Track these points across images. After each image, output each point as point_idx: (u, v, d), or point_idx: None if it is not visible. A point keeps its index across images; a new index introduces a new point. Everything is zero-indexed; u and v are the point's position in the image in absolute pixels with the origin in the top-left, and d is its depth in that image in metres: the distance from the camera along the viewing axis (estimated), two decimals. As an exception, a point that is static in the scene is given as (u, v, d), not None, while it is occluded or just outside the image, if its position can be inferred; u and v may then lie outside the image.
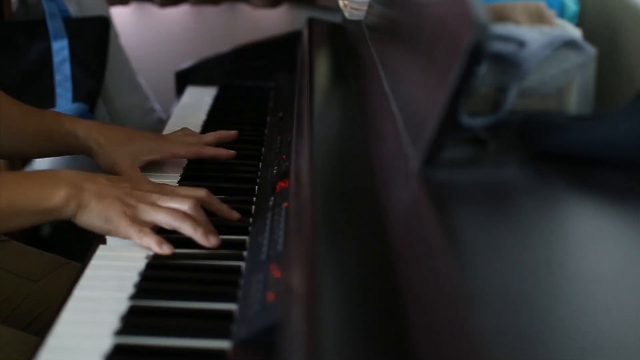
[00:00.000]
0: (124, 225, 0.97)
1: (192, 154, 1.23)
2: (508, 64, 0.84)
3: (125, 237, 0.98)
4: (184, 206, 1.00)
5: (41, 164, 1.87)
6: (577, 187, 0.79)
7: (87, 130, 1.19)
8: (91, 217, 0.98)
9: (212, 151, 1.25)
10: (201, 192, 1.04)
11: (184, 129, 1.29)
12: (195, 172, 1.23)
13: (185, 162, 1.26)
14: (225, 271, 0.95)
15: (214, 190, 1.16)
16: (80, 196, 0.97)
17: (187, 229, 0.98)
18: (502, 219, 0.72)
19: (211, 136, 1.28)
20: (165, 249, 0.96)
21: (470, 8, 0.73)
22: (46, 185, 0.97)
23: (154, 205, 0.99)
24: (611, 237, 0.70)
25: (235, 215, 1.05)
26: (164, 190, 1.03)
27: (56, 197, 0.97)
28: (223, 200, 1.12)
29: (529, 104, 0.87)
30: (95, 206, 0.97)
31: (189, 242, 0.98)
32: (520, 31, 0.86)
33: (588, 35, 0.95)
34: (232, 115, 1.51)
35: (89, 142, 1.19)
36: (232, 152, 1.26)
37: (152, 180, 1.14)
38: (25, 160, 1.98)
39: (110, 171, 1.17)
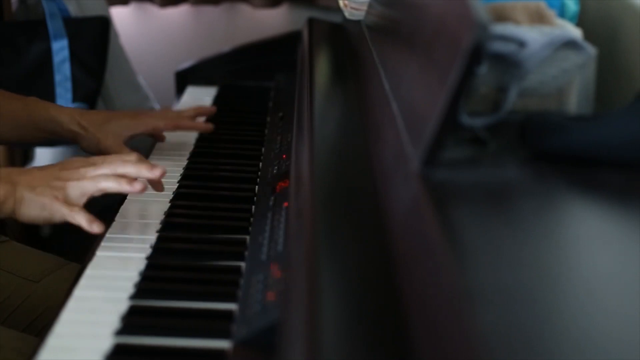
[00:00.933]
0: (57, 209, 0.98)
1: (171, 126, 1.29)
2: (508, 64, 0.84)
3: (62, 220, 0.99)
4: (111, 168, 1.01)
5: (44, 154, 1.87)
6: (577, 187, 0.79)
7: (69, 116, 1.24)
8: (29, 209, 0.99)
9: (190, 123, 1.32)
10: (130, 156, 1.04)
11: (164, 108, 1.36)
12: (195, 172, 1.23)
13: (185, 162, 1.27)
14: (225, 271, 0.95)
15: (214, 190, 1.16)
16: (16, 191, 0.99)
17: (112, 185, 0.99)
18: (502, 219, 0.72)
19: (190, 110, 1.34)
20: (95, 228, 0.97)
21: (470, 8, 0.73)
22: None
23: (82, 178, 1.00)
24: (611, 237, 0.70)
25: (157, 171, 1.03)
26: (92, 161, 1.03)
27: None
28: (223, 201, 1.13)
29: (529, 104, 0.87)
30: (29, 197, 0.98)
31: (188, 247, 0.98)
32: (520, 31, 0.86)
33: (588, 35, 0.95)
34: (232, 115, 1.51)
35: (72, 126, 1.23)
36: (209, 125, 1.32)
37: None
38: (26, 158, 1.98)
39: (96, 151, 1.21)
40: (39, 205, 0.98)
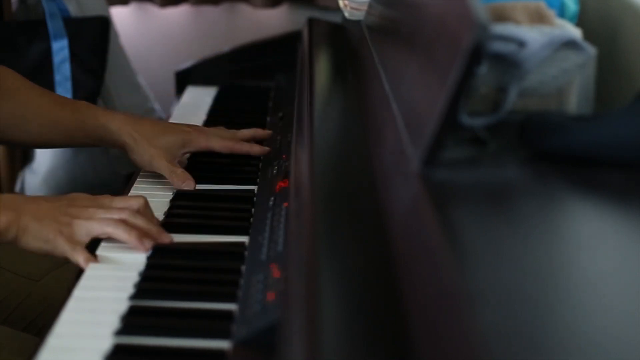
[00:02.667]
0: (60, 245, 0.96)
1: (227, 149, 1.22)
2: (508, 64, 0.84)
3: (62, 256, 0.97)
4: (122, 215, 0.99)
5: (43, 155, 1.87)
6: (577, 187, 0.79)
7: (120, 124, 1.18)
8: (31, 240, 0.97)
9: (246, 147, 1.23)
10: (137, 202, 1.02)
11: (219, 128, 1.27)
12: (196, 172, 1.23)
13: (185, 162, 1.26)
14: (225, 271, 0.95)
15: (214, 191, 1.16)
16: (20, 220, 0.96)
17: (120, 234, 0.97)
18: (502, 219, 0.72)
19: (247, 132, 1.27)
20: (92, 262, 0.96)
21: (470, 8, 0.73)
22: None
23: (89, 218, 0.98)
24: (611, 237, 0.70)
25: (165, 238, 1.01)
26: (100, 203, 1.01)
27: None
28: (223, 201, 1.13)
29: (529, 104, 0.87)
30: (34, 228, 0.96)
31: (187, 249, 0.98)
32: (520, 31, 0.86)
33: (588, 35, 0.95)
34: (232, 115, 1.51)
35: (123, 136, 1.18)
36: (266, 148, 1.25)
37: (154, 179, 1.14)
38: (25, 158, 1.98)
39: (147, 167, 1.18)
40: (42, 237, 0.96)
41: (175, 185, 1.16)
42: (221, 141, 1.22)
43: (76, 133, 1.19)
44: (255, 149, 1.24)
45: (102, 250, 1.00)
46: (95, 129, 1.18)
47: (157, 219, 1.05)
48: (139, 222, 0.99)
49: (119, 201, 1.02)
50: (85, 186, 1.77)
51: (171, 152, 1.18)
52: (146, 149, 1.17)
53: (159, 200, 1.13)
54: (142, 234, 0.98)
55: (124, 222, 0.98)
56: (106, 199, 1.02)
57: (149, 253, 0.98)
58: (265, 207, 1.05)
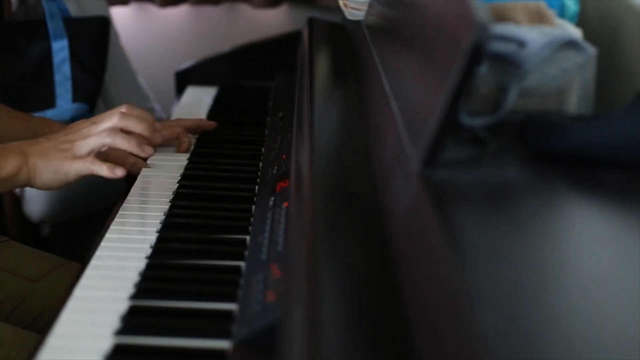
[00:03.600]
0: (70, 166, 1.04)
1: (172, 135, 1.30)
2: (508, 64, 0.84)
3: (78, 175, 1.05)
4: (113, 121, 1.07)
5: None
6: (577, 187, 0.79)
7: None
8: (43, 176, 1.05)
9: (183, 137, 1.30)
10: (123, 108, 1.10)
11: (166, 119, 1.43)
12: (196, 172, 1.23)
13: (185, 162, 1.27)
14: (225, 271, 0.95)
15: (214, 190, 1.16)
16: (28, 160, 1.04)
17: (121, 142, 1.06)
18: (503, 219, 0.72)
19: (189, 121, 1.36)
20: (118, 172, 1.04)
21: (470, 8, 0.73)
22: None
23: (87, 136, 1.06)
24: (611, 237, 0.70)
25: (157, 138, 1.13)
26: (92, 120, 1.10)
27: (8, 167, 1.04)
28: (223, 201, 1.13)
29: (529, 104, 0.87)
30: (42, 164, 1.04)
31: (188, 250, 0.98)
32: (520, 31, 0.86)
33: (588, 35, 0.95)
34: (232, 115, 1.51)
35: None
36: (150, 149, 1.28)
37: (155, 178, 1.15)
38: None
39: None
40: (51, 169, 1.04)
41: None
42: (167, 130, 1.28)
43: None
44: (148, 150, 1.24)
45: (102, 250, 1.00)
46: None
47: (148, 117, 1.12)
48: (132, 124, 1.08)
49: (110, 112, 1.10)
50: (85, 185, 1.77)
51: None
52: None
53: (159, 200, 1.13)
54: (141, 139, 1.08)
55: (119, 132, 1.06)
56: (97, 116, 1.11)
57: (149, 253, 0.98)
58: (265, 207, 1.05)
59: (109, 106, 1.84)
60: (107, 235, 1.03)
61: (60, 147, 1.05)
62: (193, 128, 1.35)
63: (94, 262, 0.97)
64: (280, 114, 1.40)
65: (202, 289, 0.91)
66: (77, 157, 1.04)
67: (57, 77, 1.71)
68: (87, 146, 1.05)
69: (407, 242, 0.73)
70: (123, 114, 1.09)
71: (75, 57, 1.71)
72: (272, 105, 1.54)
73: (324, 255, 0.76)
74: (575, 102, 0.88)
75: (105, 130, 1.06)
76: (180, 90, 1.74)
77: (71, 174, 1.05)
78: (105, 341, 0.81)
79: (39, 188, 1.06)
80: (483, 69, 0.73)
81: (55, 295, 1.11)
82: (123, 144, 1.06)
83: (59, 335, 0.83)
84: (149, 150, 1.07)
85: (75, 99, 1.71)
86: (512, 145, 0.85)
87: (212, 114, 1.53)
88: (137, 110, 1.12)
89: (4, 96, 1.48)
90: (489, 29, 0.71)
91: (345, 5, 1.56)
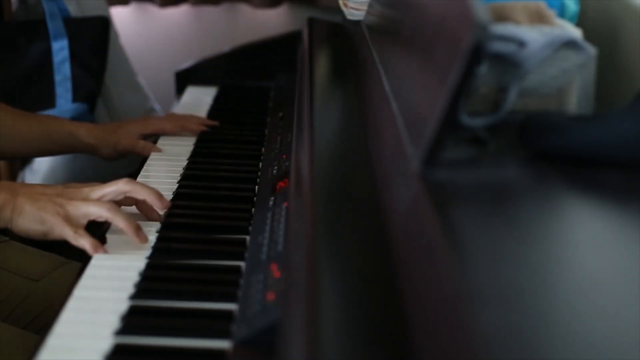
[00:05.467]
0: (58, 225, 0.97)
1: (178, 127, 1.40)
2: (508, 64, 0.84)
3: (60, 238, 0.98)
4: (119, 186, 1.02)
5: (40, 164, 1.87)
6: (577, 187, 0.79)
7: (87, 130, 1.33)
8: (26, 221, 0.98)
9: (195, 126, 1.41)
10: (125, 182, 1.04)
11: (169, 113, 1.50)
12: (195, 172, 1.23)
13: (185, 162, 1.27)
14: (225, 271, 0.95)
15: (214, 190, 1.16)
16: (15, 201, 0.99)
17: (120, 221, 0.98)
18: (502, 219, 0.72)
19: (195, 118, 1.44)
20: (100, 251, 0.97)
21: (471, 8, 0.73)
22: None
23: (85, 199, 1.00)
24: (611, 237, 0.70)
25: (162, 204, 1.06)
26: (93, 185, 1.04)
27: None
28: (223, 201, 1.13)
29: (529, 104, 0.87)
30: (30, 209, 0.98)
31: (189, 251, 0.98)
32: (520, 31, 0.86)
33: (588, 35, 0.95)
34: (232, 115, 1.51)
35: (90, 139, 1.32)
36: (202, 128, 1.41)
37: (154, 179, 1.14)
38: (25, 161, 1.98)
39: (114, 154, 1.33)
40: (38, 218, 0.98)
41: (145, 153, 1.32)
42: (172, 122, 1.40)
43: (44, 143, 1.32)
44: (193, 127, 1.41)
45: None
46: (62, 137, 1.32)
47: (154, 190, 1.06)
48: (139, 190, 1.03)
49: (113, 182, 1.03)
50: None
51: (130, 136, 1.34)
52: (109, 140, 1.33)
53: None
54: (139, 226, 1.00)
55: (119, 210, 1.00)
56: (98, 183, 1.04)
57: (149, 253, 0.98)
58: (265, 207, 1.05)
59: (109, 106, 1.84)
60: (107, 235, 1.03)
61: (55, 200, 0.99)
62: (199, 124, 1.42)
63: (94, 262, 0.97)
64: (280, 114, 1.40)
65: (202, 289, 0.91)
66: (68, 219, 0.98)
67: (57, 77, 1.71)
68: (82, 212, 0.99)
69: (407, 242, 0.73)
70: (128, 181, 1.03)
71: (75, 57, 1.71)
72: (272, 105, 1.54)
73: (324, 255, 0.76)
74: (575, 102, 0.88)
75: (108, 203, 1.00)
76: (180, 90, 1.74)
77: (55, 233, 0.98)
78: (105, 341, 0.81)
79: (15, 232, 1.00)
80: (483, 69, 0.73)
81: (56, 294, 1.11)
82: (122, 224, 0.98)
83: (59, 335, 0.83)
84: (144, 238, 0.99)
85: (75, 99, 1.71)
86: (512, 145, 0.85)
87: (212, 114, 1.53)
88: (138, 186, 1.06)
89: (4, 96, 1.48)
90: (489, 29, 0.71)
91: (345, 5, 1.56)
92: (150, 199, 1.04)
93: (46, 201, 0.98)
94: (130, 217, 1.00)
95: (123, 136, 1.34)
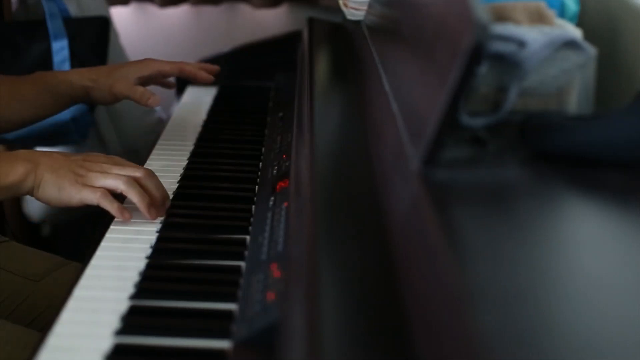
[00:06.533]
0: (76, 191, 1.01)
1: (176, 69, 1.35)
2: (508, 64, 0.84)
3: (82, 202, 1.02)
4: (136, 173, 1.04)
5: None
6: (577, 187, 0.79)
7: (78, 74, 1.31)
8: (47, 189, 1.02)
9: (193, 70, 1.37)
10: (148, 171, 1.07)
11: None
12: (195, 172, 1.23)
13: (185, 162, 1.26)
14: (225, 271, 0.95)
15: (214, 190, 1.16)
16: (37, 170, 1.02)
17: (134, 195, 1.02)
18: (502, 219, 0.72)
19: (196, 64, 1.41)
20: (127, 215, 1.02)
21: (470, 8, 0.73)
22: (5, 163, 1.03)
23: (104, 172, 1.03)
24: (611, 237, 0.70)
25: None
26: (114, 160, 1.07)
27: (15, 174, 1.02)
28: (223, 201, 1.13)
29: (529, 104, 0.87)
30: (50, 178, 1.02)
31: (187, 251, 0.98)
32: (521, 31, 0.86)
33: (588, 35, 0.95)
34: (232, 115, 1.51)
35: (83, 81, 1.29)
36: (211, 77, 1.38)
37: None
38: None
39: (110, 97, 1.29)
40: (57, 186, 1.02)
41: (142, 102, 1.28)
42: (170, 64, 1.35)
43: (42, 99, 1.29)
44: (202, 75, 1.37)
45: (102, 250, 1.00)
46: (57, 87, 1.29)
47: (164, 190, 1.09)
48: (151, 185, 1.05)
49: (135, 166, 1.07)
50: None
51: (128, 79, 1.30)
52: (104, 82, 1.29)
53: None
54: (152, 202, 1.04)
55: (137, 185, 1.03)
56: (120, 159, 1.08)
57: (149, 253, 0.98)
58: (265, 207, 1.05)
59: (109, 106, 1.84)
60: (107, 235, 1.03)
61: (74, 169, 1.03)
62: (198, 68, 1.39)
63: (94, 262, 0.97)
64: (280, 114, 1.40)
65: (202, 289, 0.91)
66: (87, 186, 1.02)
67: (57, 77, 1.71)
68: (101, 182, 1.02)
69: (407, 242, 0.73)
70: (148, 174, 1.06)
71: (75, 57, 1.71)
72: (272, 105, 1.54)
73: (324, 255, 0.76)
74: (575, 102, 0.88)
75: (126, 177, 1.03)
76: (180, 90, 1.74)
77: (76, 199, 1.02)
78: (105, 341, 0.81)
79: (39, 200, 1.04)
80: (483, 69, 0.73)
81: (56, 295, 1.11)
82: (135, 198, 1.02)
83: (59, 335, 0.83)
84: (154, 214, 1.04)
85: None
86: (512, 145, 0.85)
87: (212, 114, 1.53)
88: (158, 180, 1.09)
89: (4, 96, 1.47)
90: (489, 29, 0.71)
91: (345, 5, 1.56)
92: (155, 201, 1.06)
93: (66, 170, 1.02)
94: (144, 193, 1.03)
95: (119, 79, 1.30)
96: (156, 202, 1.05)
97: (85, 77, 1.30)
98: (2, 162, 1.03)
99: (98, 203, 1.01)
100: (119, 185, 1.02)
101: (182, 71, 1.36)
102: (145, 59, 1.36)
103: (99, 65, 1.38)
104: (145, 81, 1.33)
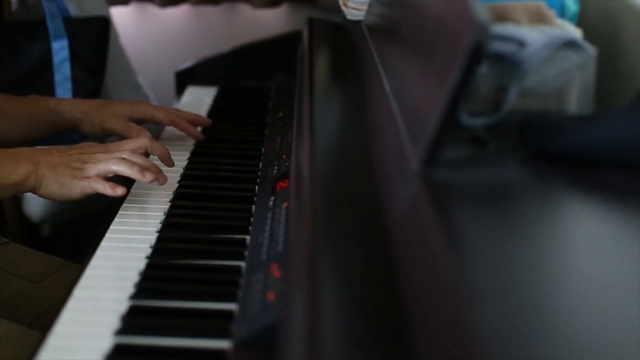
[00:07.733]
0: (75, 185, 1.06)
1: (168, 119, 1.33)
2: (508, 64, 0.84)
3: (82, 194, 1.07)
4: (123, 155, 1.09)
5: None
6: (577, 187, 0.79)
7: (70, 105, 1.31)
8: (49, 187, 1.07)
9: (185, 124, 1.34)
10: (142, 141, 1.13)
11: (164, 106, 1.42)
12: (195, 172, 1.23)
13: (185, 162, 1.27)
14: (225, 271, 0.95)
15: (214, 190, 1.16)
16: (38, 170, 1.06)
17: (124, 169, 1.07)
18: (502, 219, 0.72)
19: (189, 114, 1.37)
20: (119, 191, 1.06)
21: (470, 8, 0.73)
22: (7, 163, 1.06)
23: (98, 161, 1.08)
24: (611, 237, 0.70)
25: (162, 179, 1.11)
26: (107, 148, 1.12)
27: (17, 174, 1.05)
28: (223, 201, 1.13)
29: (529, 104, 0.87)
30: (50, 175, 1.06)
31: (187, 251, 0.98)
32: (520, 31, 0.86)
33: (588, 35, 0.95)
34: (232, 115, 1.51)
35: (74, 113, 1.29)
36: (200, 135, 1.35)
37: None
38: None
39: (100, 132, 1.29)
40: (58, 183, 1.06)
41: (133, 137, 1.22)
42: (164, 112, 1.33)
43: (30, 123, 1.29)
44: (193, 132, 1.35)
45: (102, 251, 1.00)
46: (47, 115, 1.30)
47: (154, 165, 1.12)
48: (138, 159, 1.09)
49: (124, 144, 1.13)
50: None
51: (119, 117, 1.29)
52: (95, 116, 1.29)
53: (159, 200, 1.13)
54: (144, 168, 1.08)
55: (126, 160, 1.07)
56: (113, 145, 1.13)
57: (149, 253, 0.98)
58: (265, 207, 1.05)
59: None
60: (107, 235, 1.03)
61: (72, 164, 1.08)
62: (192, 120, 1.36)
63: (94, 262, 0.97)
64: (280, 114, 1.40)
65: (202, 289, 0.91)
66: (84, 178, 1.06)
67: (57, 77, 1.71)
68: (96, 171, 1.07)
69: (407, 242, 0.73)
70: (134, 152, 1.10)
71: (75, 57, 1.71)
72: (272, 105, 1.54)
73: (324, 255, 0.76)
74: (575, 102, 0.88)
75: (115, 158, 1.08)
76: (180, 90, 1.74)
77: (76, 192, 1.07)
78: (105, 341, 0.81)
79: (41, 197, 1.08)
80: (483, 69, 0.73)
81: (56, 297, 1.11)
82: (127, 171, 1.07)
83: (59, 335, 0.83)
84: (150, 176, 1.08)
85: (75, 98, 1.71)
86: (512, 145, 0.85)
87: (212, 114, 1.53)
88: (157, 145, 1.14)
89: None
90: (489, 29, 0.71)
91: (345, 5, 1.56)
92: (147, 168, 1.09)
93: (64, 167, 1.07)
94: (132, 164, 1.07)
95: (110, 115, 1.29)
96: (150, 170, 1.08)
97: (76, 108, 1.30)
98: (4, 162, 1.06)
99: (94, 190, 1.06)
100: (110, 168, 1.07)
101: (174, 123, 1.34)
102: (140, 102, 1.36)
103: (90, 99, 1.39)
104: (135, 122, 1.31)
